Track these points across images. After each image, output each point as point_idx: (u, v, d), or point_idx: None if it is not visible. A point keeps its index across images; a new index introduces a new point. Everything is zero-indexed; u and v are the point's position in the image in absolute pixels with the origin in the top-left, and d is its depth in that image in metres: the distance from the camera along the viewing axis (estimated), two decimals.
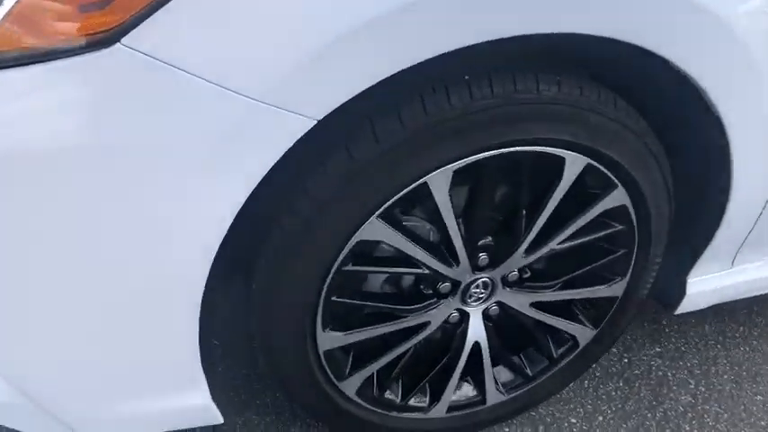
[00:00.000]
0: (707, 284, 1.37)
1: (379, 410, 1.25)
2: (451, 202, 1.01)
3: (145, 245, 0.87)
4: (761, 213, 1.26)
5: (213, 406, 1.10)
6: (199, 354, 1.01)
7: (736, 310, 1.72)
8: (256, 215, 0.98)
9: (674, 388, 1.50)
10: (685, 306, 1.39)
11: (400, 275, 1.17)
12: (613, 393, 1.48)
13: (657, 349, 1.60)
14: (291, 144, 0.84)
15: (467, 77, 0.93)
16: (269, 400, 1.44)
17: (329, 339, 1.10)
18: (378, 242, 1.03)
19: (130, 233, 0.86)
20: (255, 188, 0.88)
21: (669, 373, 1.53)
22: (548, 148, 1.00)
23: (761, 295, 1.74)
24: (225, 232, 0.88)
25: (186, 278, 0.92)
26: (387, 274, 1.16)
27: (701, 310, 1.68)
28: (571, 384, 1.50)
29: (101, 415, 1.06)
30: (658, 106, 1.12)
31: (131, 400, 1.04)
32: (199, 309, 0.95)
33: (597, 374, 1.53)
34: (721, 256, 1.34)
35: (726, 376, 1.53)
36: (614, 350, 1.59)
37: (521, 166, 1.04)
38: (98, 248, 0.87)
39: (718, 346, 1.61)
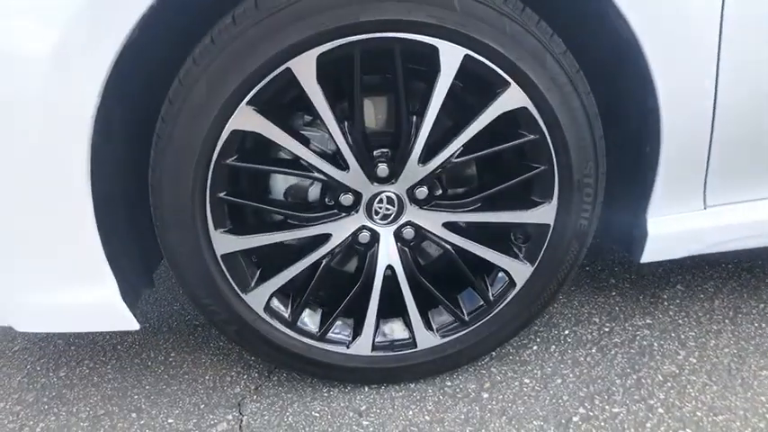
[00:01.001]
0: (675, 225, 1.20)
1: (297, 337, 1.22)
2: (325, 95, 1.02)
3: (19, 123, 0.97)
4: (711, 137, 1.10)
5: (123, 307, 1.14)
6: (101, 247, 1.09)
7: (760, 287, 1.46)
8: (136, 106, 1.07)
9: (658, 358, 1.28)
10: (653, 251, 1.22)
11: (305, 184, 1.18)
12: (582, 359, 1.30)
13: (648, 321, 1.39)
14: (138, 18, 0.92)
15: None
16: (222, 344, 1.46)
17: (225, 242, 1.12)
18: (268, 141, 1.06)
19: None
20: (126, 72, 0.97)
21: (656, 344, 1.32)
22: (415, 35, 0.99)
23: None
24: (94, 111, 0.96)
25: (67, 160, 1.00)
26: (282, 175, 1.17)
27: (716, 284, 1.48)
28: (534, 348, 1.35)
29: (18, 305, 1.15)
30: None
31: (43, 289, 1.12)
32: (88, 194, 1.03)
33: (568, 340, 1.36)
34: (685, 193, 1.18)
35: (727, 350, 1.28)
36: (595, 319, 1.42)
37: (396, 61, 1.02)
38: None
39: (726, 320, 1.37)
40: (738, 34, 1.01)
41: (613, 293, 1.50)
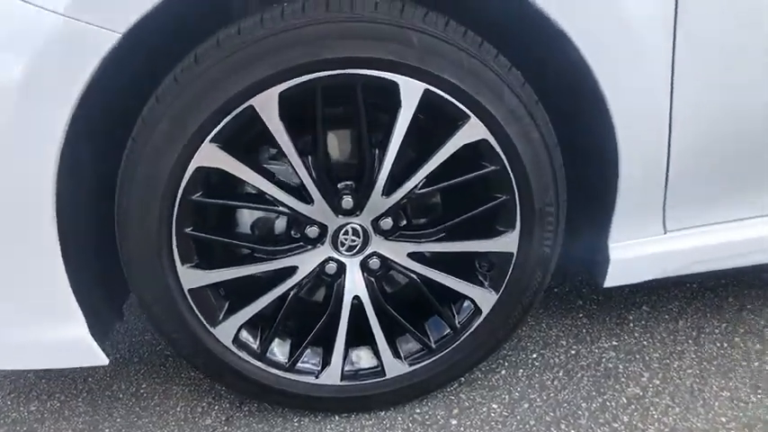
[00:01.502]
0: (636, 250, 1.23)
1: (266, 369, 1.22)
2: (287, 131, 1.04)
3: None
4: (668, 165, 1.13)
5: (93, 343, 1.15)
6: (68, 282, 1.08)
7: (722, 308, 1.49)
8: (99, 139, 1.07)
9: (623, 380, 1.30)
10: (616, 276, 1.25)
11: (271, 217, 1.19)
12: (549, 383, 1.32)
13: (614, 343, 1.42)
14: (99, 60, 0.93)
15: (285, 3, 0.99)
16: (193, 374, 1.46)
17: (192, 277, 1.12)
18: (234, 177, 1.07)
19: None
20: (90, 112, 0.98)
21: (621, 366, 1.34)
22: (375, 72, 1.01)
23: (760, 291, 1.54)
24: (59, 149, 0.97)
25: (33, 198, 1.00)
26: (248, 209, 1.18)
27: (680, 305, 1.52)
28: (503, 372, 1.37)
29: None
30: (513, 39, 1.09)
31: (9, 326, 1.12)
32: (54, 231, 1.03)
33: (536, 364, 1.38)
34: (644, 219, 1.21)
35: (690, 371, 1.31)
36: (563, 342, 1.44)
37: (358, 96, 1.04)
38: None
39: (689, 341, 1.39)
40: (691, 58, 1.05)
41: (581, 315, 1.53)
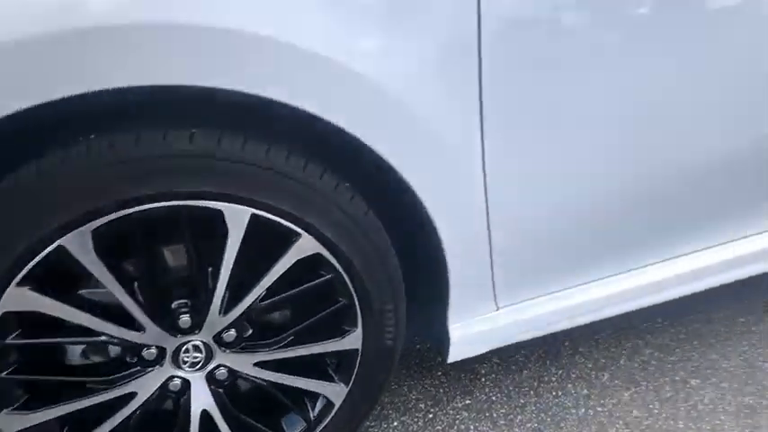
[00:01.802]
0: (473, 328, 1.30)
1: None
2: (107, 264, 0.98)
3: None
4: (491, 257, 1.21)
5: None
6: None
7: (560, 353, 1.63)
8: None
9: None
10: (457, 352, 1.32)
11: (104, 344, 1.13)
12: None
13: (467, 401, 1.51)
14: None
15: (92, 136, 0.93)
16: None
17: (14, 422, 1.04)
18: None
19: None
20: None
21: (472, 426, 1.44)
22: (196, 202, 0.98)
23: (589, 331, 1.69)
24: None
25: None
26: (80, 344, 1.11)
27: (525, 353, 1.63)
28: None
29: None
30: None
31: None
32: None
33: None
34: (476, 302, 1.29)
35: (529, 425, 1.43)
36: (421, 405, 1.51)
37: (182, 225, 1.01)
38: None
39: (531, 392, 1.52)
40: (500, 158, 1.11)
41: (439, 374, 1.60)
